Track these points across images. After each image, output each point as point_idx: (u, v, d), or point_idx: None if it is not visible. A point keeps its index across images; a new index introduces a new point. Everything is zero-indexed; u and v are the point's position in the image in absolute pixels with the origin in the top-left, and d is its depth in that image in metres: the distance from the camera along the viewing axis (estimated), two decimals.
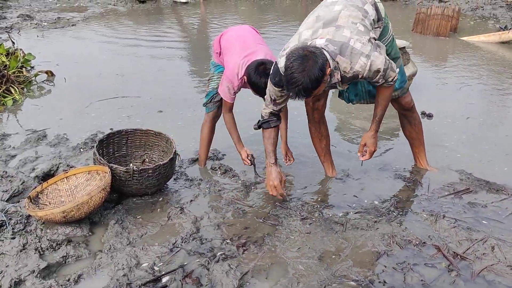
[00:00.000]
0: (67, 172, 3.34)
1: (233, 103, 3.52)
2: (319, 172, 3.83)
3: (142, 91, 5.65)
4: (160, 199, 3.43)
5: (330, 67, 2.72)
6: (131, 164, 3.68)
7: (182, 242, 2.97)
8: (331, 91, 3.65)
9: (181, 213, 3.26)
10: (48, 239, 2.89)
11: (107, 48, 7.61)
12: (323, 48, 2.77)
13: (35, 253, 2.76)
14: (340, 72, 2.84)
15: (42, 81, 6.01)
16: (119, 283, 2.59)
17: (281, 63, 2.84)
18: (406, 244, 2.98)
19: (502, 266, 2.78)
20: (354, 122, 4.89)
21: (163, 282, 2.64)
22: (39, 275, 2.62)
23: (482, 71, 6.79)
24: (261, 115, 3.21)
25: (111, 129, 4.61)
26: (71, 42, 7.94)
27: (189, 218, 3.20)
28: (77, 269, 2.73)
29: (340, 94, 3.49)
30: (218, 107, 3.65)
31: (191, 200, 3.43)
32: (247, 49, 3.35)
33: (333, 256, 2.86)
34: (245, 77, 3.26)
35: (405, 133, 3.75)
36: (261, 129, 3.25)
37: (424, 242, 2.98)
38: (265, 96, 3.14)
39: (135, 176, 3.22)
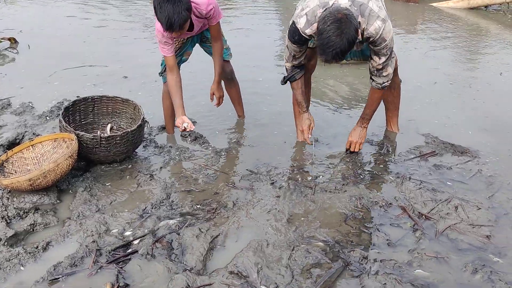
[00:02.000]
0: (32, 140, 3.27)
1: (173, 58, 3.28)
2: (290, 140, 3.85)
3: (109, 60, 5.52)
4: (129, 166, 3.41)
5: (359, 28, 2.80)
6: (98, 132, 3.63)
7: (152, 208, 2.97)
8: None
9: (150, 180, 3.25)
10: (14, 208, 2.85)
11: (72, 14, 7.37)
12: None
13: (1, 222, 2.72)
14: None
15: (5, 49, 5.80)
16: (89, 249, 2.59)
17: (301, 24, 2.94)
18: (372, 205, 3.04)
19: (465, 225, 2.87)
20: (328, 90, 4.89)
21: (133, 247, 2.64)
22: (6, 243, 2.59)
23: (450, 37, 6.86)
24: (286, 69, 3.33)
25: (77, 96, 4.51)
26: (35, 9, 7.65)
27: (159, 184, 3.20)
28: (45, 236, 2.70)
29: None
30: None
31: (161, 167, 3.42)
32: None
33: (302, 218, 2.91)
34: None
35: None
36: (289, 82, 3.38)
37: (390, 203, 3.06)
38: (284, 53, 3.26)
39: (103, 143, 3.18)
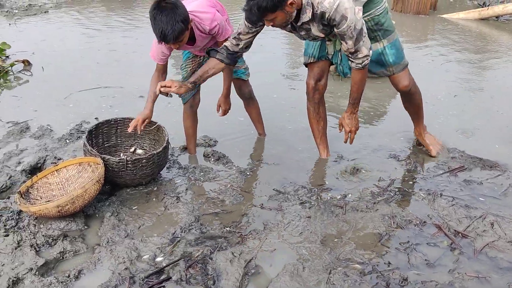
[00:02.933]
0: (57, 165, 3.23)
1: (162, 65, 3.27)
2: (313, 156, 3.80)
3: (124, 80, 5.50)
4: (154, 189, 3.36)
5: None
6: (121, 154, 3.59)
7: (182, 232, 2.91)
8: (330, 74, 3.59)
9: (177, 202, 3.19)
10: (43, 235, 2.79)
11: (82, 35, 7.37)
12: None
13: (31, 250, 2.66)
14: (314, 9, 2.76)
15: (19, 71, 5.79)
16: (122, 277, 2.53)
17: None
18: (406, 224, 2.98)
19: (503, 242, 2.80)
20: (345, 103, 4.85)
21: (166, 273, 2.58)
22: (37, 272, 2.53)
23: (463, 48, 6.83)
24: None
25: (96, 118, 4.50)
26: (45, 30, 7.67)
27: (186, 207, 3.14)
28: (76, 264, 2.65)
29: (337, 69, 3.43)
30: (193, 95, 3.56)
31: (186, 189, 3.36)
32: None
33: (336, 240, 2.85)
34: None
35: (404, 106, 3.68)
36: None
37: (424, 222, 2.99)
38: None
39: (129, 166, 3.13)
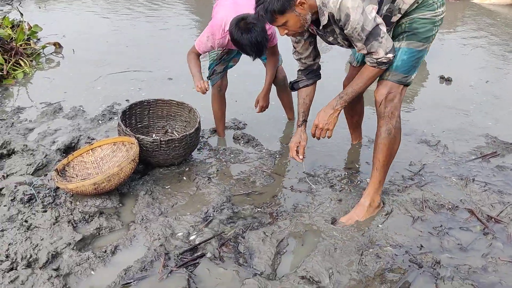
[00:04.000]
0: (92, 144, 3.29)
1: (200, 54, 3.36)
2: (343, 140, 3.79)
3: (152, 65, 5.55)
4: (186, 169, 3.40)
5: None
6: (154, 135, 3.64)
7: (214, 211, 2.95)
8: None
9: (209, 182, 3.23)
10: (80, 212, 2.86)
11: (109, 20, 7.44)
12: None
13: (68, 226, 2.73)
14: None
15: (50, 53, 5.89)
16: (157, 253, 2.58)
17: None
18: (439, 208, 2.97)
19: None
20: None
21: (200, 251, 2.62)
22: (75, 247, 2.60)
23: (494, 33, 6.70)
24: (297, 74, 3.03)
25: (127, 100, 4.56)
26: (75, 13, 7.76)
27: (218, 187, 3.18)
28: (111, 240, 2.71)
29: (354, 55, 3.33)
30: (222, 77, 3.58)
31: (217, 170, 3.40)
32: (240, 6, 3.19)
33: (367, 222, 2.84)
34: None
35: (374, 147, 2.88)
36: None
37: (456, 206, 2.98)
38: None
39: (162, 146, 3.17)
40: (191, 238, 2.73)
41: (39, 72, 5.37)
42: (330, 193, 3.13)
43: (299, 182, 3.28)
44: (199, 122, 3.40)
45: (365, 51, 2.54)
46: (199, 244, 2.66)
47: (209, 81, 3.61)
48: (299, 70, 3.00)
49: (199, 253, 2.60)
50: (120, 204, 3.01)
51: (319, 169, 3.41)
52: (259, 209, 3.00)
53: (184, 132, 3.62)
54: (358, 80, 2.67)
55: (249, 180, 3.30)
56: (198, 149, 3.65)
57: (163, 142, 3.16)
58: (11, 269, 2.44)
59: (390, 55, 2.52)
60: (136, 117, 3.60)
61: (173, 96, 3.80)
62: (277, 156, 3.61)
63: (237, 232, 2.77)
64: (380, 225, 2.82)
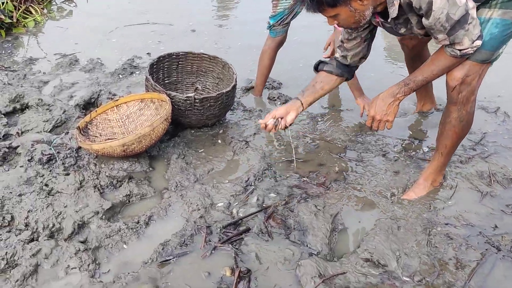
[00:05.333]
0: (117, 100, 2.93)
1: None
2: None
3: (175, 16, 5.12)
4: (220, 132, 3.06)
5: None
6: (183, 92, 3.29)
7: (255, 179, 2.63)
8: None
9: (246, 147, 2.89)
10: (107, 176, 2.54)
11: None
12: None
13: (94, 192, 2.41)
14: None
15: (62, 1, 5.46)
16: (197, 225, 2.27)
17: None
18: (508, 183, 2.63)
19: None
20: None
21: (244, 224, 2.31)
22: (104, 216, 2.29)
23: None
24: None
25: (148, 53, 4.19)
26: None
27: (257, 153, 2.84)
28: (144, 209, 2.40)
29: None
30: (287, 31, 3.20)
31: (254, 133, 3.05)
32: None
33: (429, 198, 2.52)
34: None
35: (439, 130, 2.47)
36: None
37: None
38: None
39: (196, 105, 2.82)
40: (234, 211, 2.41)
41: (51, 21, 4.97)
42: (383, 163, 2.79)
43: (347, 149, 2.94)
44: (236, 79, 3.03)
45: (446, 42, 2.04)
46: (244, 217, 2.34)
47: (269, 31, 3.22)
48: (335, 58, 2.52)
49: (243, 227, 2.28)
50: (151, 168, 2.69)
51: (368, 136, 3.06)
52: (305, 179, 2.67)
53: (216, 90, 3.25)
54: (432, 67, 2.16)
55: (290, 146, 2.95)
56: (231, 110, 3.29)
57: (197, 101, 2.81)
58: (32, 239, 2.14)
59: (478, 43, 2.00)
60: (163, 71, 3.23)
61: (196, 50, 3.39)
62: (319, 119, 3.26)
63: (283, 204, 2.45)
64: (446, 202, 2.49)
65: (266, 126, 2.46)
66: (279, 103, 3.43)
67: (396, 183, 2.62)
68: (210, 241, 2.20)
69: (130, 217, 2.34)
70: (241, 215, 2.37)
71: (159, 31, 4.77)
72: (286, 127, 2.49)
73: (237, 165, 2.77)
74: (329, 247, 2.21)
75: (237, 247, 2.18)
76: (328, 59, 2.61)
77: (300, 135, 3.06)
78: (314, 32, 4.46)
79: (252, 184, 2.60)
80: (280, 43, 3.25)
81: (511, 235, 2.27)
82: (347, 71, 2.50)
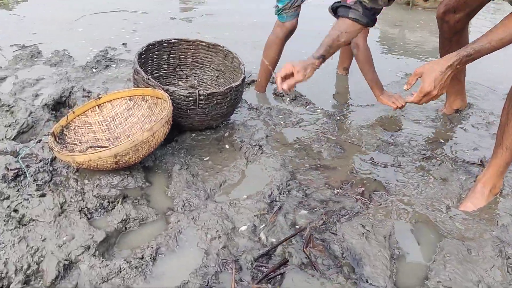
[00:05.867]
0: (99, 98, 2.36)
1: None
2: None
3: (148, 4, 4.54)
4: (225, 135, 2.54)
5: None
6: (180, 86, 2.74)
7: (280, 193, 2.13)
8: None
9: (261, 153, 2.38)
10: (94, 195, 1.97)
11: None
12: None
13: (81, 218, 1.85)
14: None
15: None
16: (221, 259, 1.74)
17: None
18: None
19: None
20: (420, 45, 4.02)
21: (276, 252, 1.81)
22: (97, 252, 1.73)
23: None
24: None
25: (123, 44, 3.61)
26: None
27: (275, 159, 2.34)
28: (147, 238, 1.85)
29: None
30: (298, 15, 2.71)
31: (267, 136, 2.55)
32: None
33: (494, 208, 2.09)
34: None
35: None
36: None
37: None
38: None
39: (201, 103, 2.29)
40: (261, 235, 1.90)
41: (3, 9, 4.27)
42: (426, 169, 2.35)
43: (378, 153, 2.48)
44: (244, 70, 2.52)
45: None
46: (277, 245, 1.83)
47: (278, 16, 2.71)
48: (359, 1, 2.07)
49: (280, 259, 1.77)
50: (147, 183, 2.14)
51: (400, 136, 2.62)
52: (338, 190, 2.18)
53: (215, 84, 2.73)
54: (502, 33, 1.74)
55: (312, 151, 2.48)
56: None
57: (202, 97, 2.28)
58: None
59: None
60: (152, 63, 2.68)
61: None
62: (338, 117, 2.79)
63: (321, 225, 1.96)
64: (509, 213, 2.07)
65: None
66: (288, 99, 2.94)
67: (448, 192, 2.18)
68: (241, 280, 1.68)
69: (130, 250, 1.79)
70: (273, 240, 1.87)
71: (133, 20, 4.20)
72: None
73: (254, 176, 2.26)
74: (392, 280, 1.73)
75: (278, 286, 1.67)
76: (350, 1, 2.11)
77: (321, 137, 2.57)
78: (318, 22, 3.99)
79: (277, 199, 2.10)
80: (290, 31, 2.75)
81: None
82: (372, 20, 2.08)
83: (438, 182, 2.25)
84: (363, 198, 2.14)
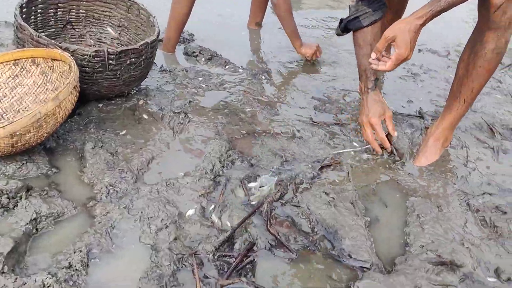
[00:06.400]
0: None
1: None
2: None
3: None
4: (140, 103, 2.12)
5: None
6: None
7: (223, 166, 1.80)
8: None
9: (188, 121, 2.02)
10: None
11: None
12: None
13: None
14: None
15: None
16: (176, 255, 1.38)
17: None
18: (511, 134, 2.23)
19: None
20: None
21: (237, 237, 1.49)
22: (5, 267, 1.26)
23: None
24: (349, 8, 1.91)
25: None
26: None
27: (206, 128, 2.01)
28: (70, 240, 1.41)
29: None
30: None
31: (190, 102, 2.18)
32: None
33: (448, 160, 1.98)
34: None
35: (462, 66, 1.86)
36: (350, 32, 1.95)
37: None
38: None
39: (111, 63, 1.84)
40: (213, 217, 1.56)
41: None
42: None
43: (317, 112, 2.25)
44: (157, 24, 2.10)
45: None
46: (237, 227, 1.51)
47: None
48: (358, 2, 1.85)
49: (244, 244, 1.46)
50: (54, 169, 1.66)
51: (332, 92, 2.42)
52: (287, 156, 1.91)
53: (119, 44, 2.28)
54: None
55: (245, 114, 2.17)
56: None
57: (112, 56, 1.83)
58: None
59: None
60: (36, 19, 2.12)
61: None
62: (263, 77, 2.50)
63: (279, 198, 1.67)
64: (467, 165, 1.97)
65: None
66: (202, 59, 2.57)
67: (398, 148, 2.02)
68: (206, 277, 1.34)
69: (51, 258, 1.34)
70: (228, 223, 1.54)
71: None
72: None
73: (186, 149, 1.89)
74: (373, 251, 1.51)
75: (252, 277, 1.36)
76: (354, 10, 1.86)
77: (250, 99, 2.26)
78: None
79: (221, 173, 1.77)
80: None
81: None
82: (381, 4, 1.84)
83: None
84: (316, 163, 1.89)
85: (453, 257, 1.48)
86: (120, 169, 1.68)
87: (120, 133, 1.90)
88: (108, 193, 1.59)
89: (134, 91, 2.15)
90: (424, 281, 1.40)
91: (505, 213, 1.71)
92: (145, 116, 2.03)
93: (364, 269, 1.43)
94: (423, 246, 1.53)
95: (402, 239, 1.59)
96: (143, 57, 1.94)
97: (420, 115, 2.27)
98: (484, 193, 1.82)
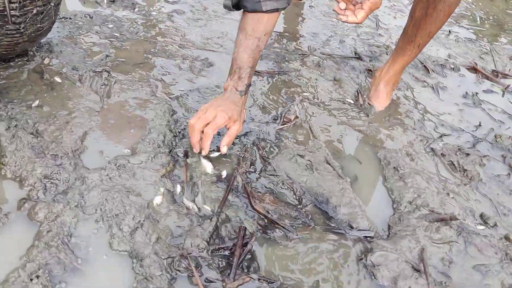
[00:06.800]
0: None
1: None
2: None
3: None
4: (46, 62, 1.69)
5: None
6: None
7: (175, 136, 1.52)
8: None
9: (114, 82, 1.66)
10: None
11: None
12: None
13: None
14: None
15: None
16: (165, 260, 1.12)
17: None
18: (442, 69, 2.24)
19: None
20: None
21: (223, 222, 1.27)
22: None
23: None
24: None
25: None
26: None
27: (138, 87, 1.68)
28: (13, 259, 1.06)
29: None
30: None
31: (107, 56, 1.80)
32: None
33: (398, 103, 1.91)
34: None
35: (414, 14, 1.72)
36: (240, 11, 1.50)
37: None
38: None
39: (14, 14, 1.40)
40: (185, 202, 1.31)
41: None
42: (313, 72, 2.01)
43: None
44: None
45: None
46: (220, 211, 1.28)
47: None
48: None
49: (231, 229, 1.24)
50: None
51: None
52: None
53: None
54: None
55: (180, 67, 1.85)
56: None
57: (14, 5, 1.38)
58: None
59: None
60: None
61: None
62: (186, 23, 2.16)
63: (250, 167, 1.46)
64: (417, 106, 1.94)
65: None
66: (105, 1, 2.14)
67: (349, 94, 1.90)
68: (209, 281, 1.10)
69: None
70: (205, 206, 1.30)
71: None
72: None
73: (123, 117, 1.55)
74: (368, 216, 1.39)
75: (261, 273, 1.15)
76: None
77: (177, 44, 1.94)
78: None
79: (175, 144, 1.48)
80: None
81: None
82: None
83: (333, 84, 1.94)
84: (272, 122, 1.68)
85: (444, 209, 1.42)
86: (52, 154, 1.31)
87: (33, 105, 1.49)
88: (45, 188, 1.23)
89: (35, 47, 1.70)
90: (427, 241, 1.32)
91: (468, 154, 1.69)
92: (57, 79, 1.62)
93: (368, 238, 1.30)
94: (411, 202, 1.45)
95: (387, 197, 1.49)
96: (52, 3, 1.50)
97: (358, 56, 2.15)
98: (441, 135, 1.79)
